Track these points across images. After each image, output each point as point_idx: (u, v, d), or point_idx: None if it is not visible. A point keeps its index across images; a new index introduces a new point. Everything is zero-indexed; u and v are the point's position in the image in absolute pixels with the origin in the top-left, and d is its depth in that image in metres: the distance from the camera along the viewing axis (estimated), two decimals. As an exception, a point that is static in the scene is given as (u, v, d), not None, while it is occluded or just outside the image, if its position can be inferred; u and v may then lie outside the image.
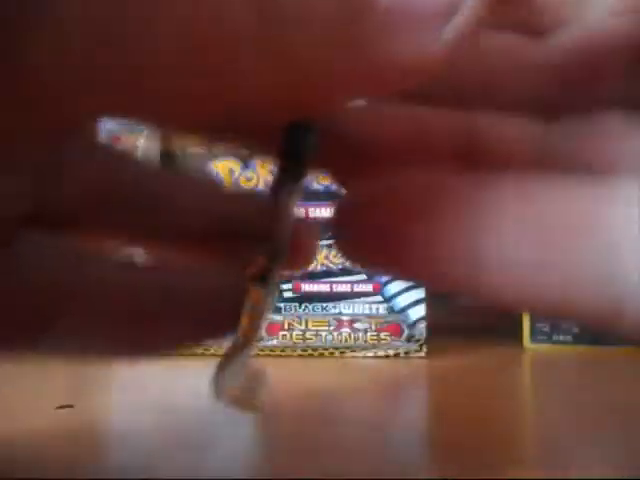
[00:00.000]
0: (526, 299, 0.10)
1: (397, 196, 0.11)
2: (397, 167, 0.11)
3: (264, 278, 0.12)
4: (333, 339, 0.43)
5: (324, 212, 0.49)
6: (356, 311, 0.43)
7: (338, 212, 0.12)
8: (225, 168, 0.52)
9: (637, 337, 0.10)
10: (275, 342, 0.43)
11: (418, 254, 0.11)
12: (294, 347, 0.43)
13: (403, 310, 0.43)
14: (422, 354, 0.42)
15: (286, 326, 0.43)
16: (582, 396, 0.30)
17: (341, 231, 0.12)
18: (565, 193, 0.10)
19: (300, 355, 0.43)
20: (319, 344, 0.43)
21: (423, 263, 0.11)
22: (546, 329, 0.47)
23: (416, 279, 0.11)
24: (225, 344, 0.13)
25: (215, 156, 0.52)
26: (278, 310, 0.43)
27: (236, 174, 0.51)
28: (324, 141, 0.11)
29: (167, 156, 0.53)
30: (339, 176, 0.13)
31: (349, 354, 0.43)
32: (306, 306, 0.43)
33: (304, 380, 0.36)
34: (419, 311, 0.43)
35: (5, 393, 0.31)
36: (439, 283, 0.11)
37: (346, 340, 0.43)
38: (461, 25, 0.08)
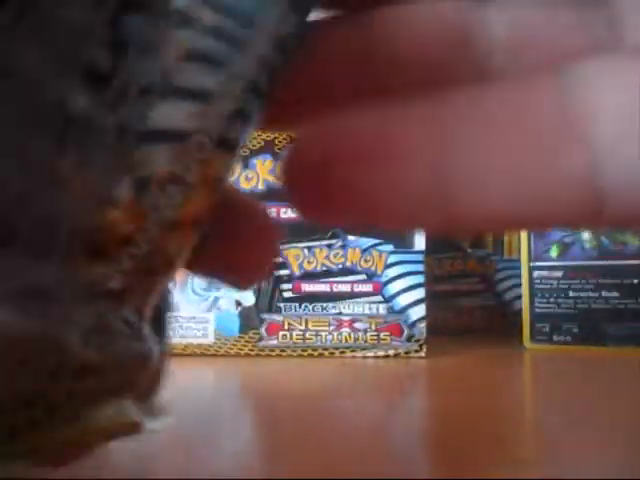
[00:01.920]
0: (507, 216, 0.10)
1: (349, 139, 0.10)
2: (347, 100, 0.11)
3: None
4: (333, 339, 0.43)
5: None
6: (356, 311, 0.43)
7: (289, 168, 0.10)
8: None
9: (616, 226, 0.10)
10: (275, 342, 0.43)
11: (386, 201, 0.10)
12: (294, 347, 0.43)
13: (403, 310, 0.43)
14: (422, 354, 0.42)
15: (286, 326, 0.43)
16: (582, 396, 0.30)
17: (296, 190, 0.10)
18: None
19: (300, 355, 0.43)
20: (319, 344, 0.43)
21: (392, 209, 0.10)
22: (546, 329, 0.47)
23: (385, 226, 0.10)
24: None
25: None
26: (278, 310, 0.43)
27: (236, 174, 0.51)
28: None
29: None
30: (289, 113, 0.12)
31: (349, 354, 0.43)
32: (306, 306, 0.43)
33: (304, 380, 0.36)
34: (419, 311, 0.43)
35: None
36: (413, 225, 0.11)
37: (346, 340, 0.43)
38: None
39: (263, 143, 0.52)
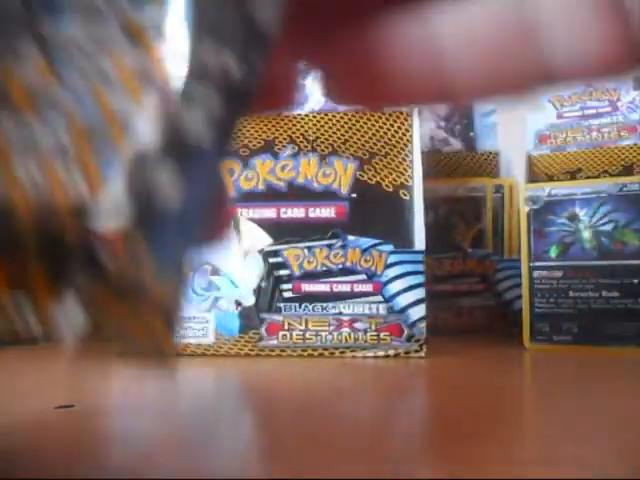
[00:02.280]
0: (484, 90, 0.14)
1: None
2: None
3: None
4: (333, 339, 0.43)
5: (324, 212, 0.49)
6: (356, 311, 0.43)
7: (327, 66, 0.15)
8: (224, 168, 0.52)
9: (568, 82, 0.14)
10: (275, 342, 0.43)
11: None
12: (294, 347, 0.43)
13: (403, 310, 0.43)
14: (422, 354, 0.42)
15: (286, 326, 0.43)
16: (582, 396, 0.30)
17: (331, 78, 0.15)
18: None
19: (300, 355, 0.43)
20: (319, 344, 0.43)
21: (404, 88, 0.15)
22: (546, 329, 0.47)
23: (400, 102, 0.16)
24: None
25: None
26: (278, 310, 0.43)
27: (236, 174, 0.51)
28: None
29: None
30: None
31: (349, 354, 0.43)
32: (306, 306, 0.43)
33: (304, 380, 0.36)
34: (419, 311, 0.43)
35: (5, 393, 0.31)
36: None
37: (346, 340, 0.43)
38: None
39: (263, 143, 0.52)
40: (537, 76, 0.13)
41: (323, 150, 0.51)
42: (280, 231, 0.46)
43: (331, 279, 0.43)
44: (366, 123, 0.51)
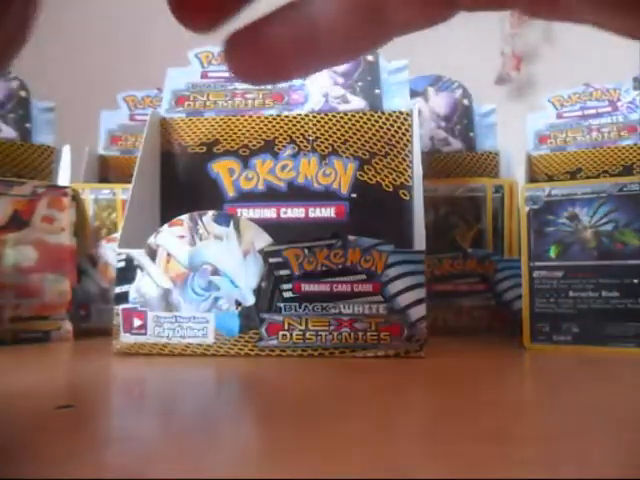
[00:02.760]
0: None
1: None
2: None
3: None
4: (333, 339, 0.43)
5: (324, 212, 0.49)
6: (356, 311, 0.43)
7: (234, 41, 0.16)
8: (225, 168, 0.52)
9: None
10: (275, 342, 0.43)
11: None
12: (294, 347, 0.43)
13: (403, 310, 0.43)
14: (422, 354, 0.42)
15: (286, 326, 0.43)
16: (582, 396, 0.30)
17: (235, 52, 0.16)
18: None
19: (300, 355, 0.43)
20: (319, 344, 0.43)
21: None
22: (546, 329, 0.47)
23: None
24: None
25: (215, 156, 0.52)
26: (278, 310, 0.43)
27: (236, 174, 0.51)
28: None
29: (167, 156, 0.53)
30: None
31: (349, 354, 0.43)
32: (306, 306, 0.43)
33: (304, 380, 0.36)
34: (419, 311, 0.43)
35: (5, 393, 0.31)
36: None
37: (346, 340, 0.43)
38: None
39: (263, 143, 0.52)
40: (385, 28, 0.16)
41: (323, 150, 0.51)
42: (280, 231, 0.46)
43: (331, 279, 0.43)
44: (366, 123, 0.51)
